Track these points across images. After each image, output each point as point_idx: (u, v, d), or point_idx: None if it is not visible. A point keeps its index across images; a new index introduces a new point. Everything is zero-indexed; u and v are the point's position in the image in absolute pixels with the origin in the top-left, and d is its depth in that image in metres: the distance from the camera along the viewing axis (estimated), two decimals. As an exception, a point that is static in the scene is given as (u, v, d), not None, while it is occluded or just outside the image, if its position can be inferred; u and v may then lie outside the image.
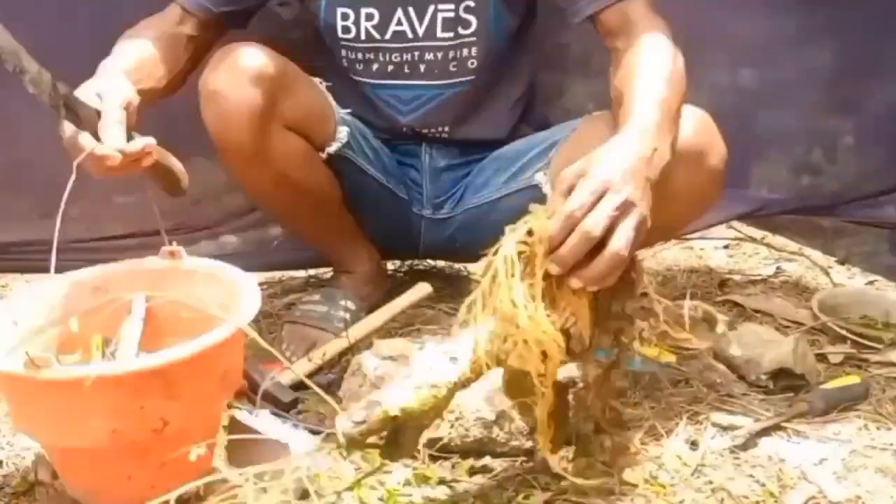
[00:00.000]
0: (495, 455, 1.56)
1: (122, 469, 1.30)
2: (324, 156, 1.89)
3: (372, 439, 1.25)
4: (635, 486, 1.50)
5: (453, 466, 1.53)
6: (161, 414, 1.28)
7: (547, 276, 1.31)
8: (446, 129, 1.98)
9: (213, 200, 2.20)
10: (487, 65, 1.93)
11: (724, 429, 1.66)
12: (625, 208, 1.29)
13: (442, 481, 1.50)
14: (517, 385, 1.37)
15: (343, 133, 1.90)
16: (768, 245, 2.54)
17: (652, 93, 1.48)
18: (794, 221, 2.52)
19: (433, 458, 1.54)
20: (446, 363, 1.31)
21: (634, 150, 1.35)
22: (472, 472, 1.53)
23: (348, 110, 1.93)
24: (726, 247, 2.56)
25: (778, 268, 2.43)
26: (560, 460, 1.50)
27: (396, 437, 1.27)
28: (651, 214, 1.32)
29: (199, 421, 1.35)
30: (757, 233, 2.59)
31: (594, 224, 1.27)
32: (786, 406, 1.74)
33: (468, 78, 1.93)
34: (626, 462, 1.51)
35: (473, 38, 1.89)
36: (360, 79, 1.95)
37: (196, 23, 1.84)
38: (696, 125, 1.65)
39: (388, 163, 2.00)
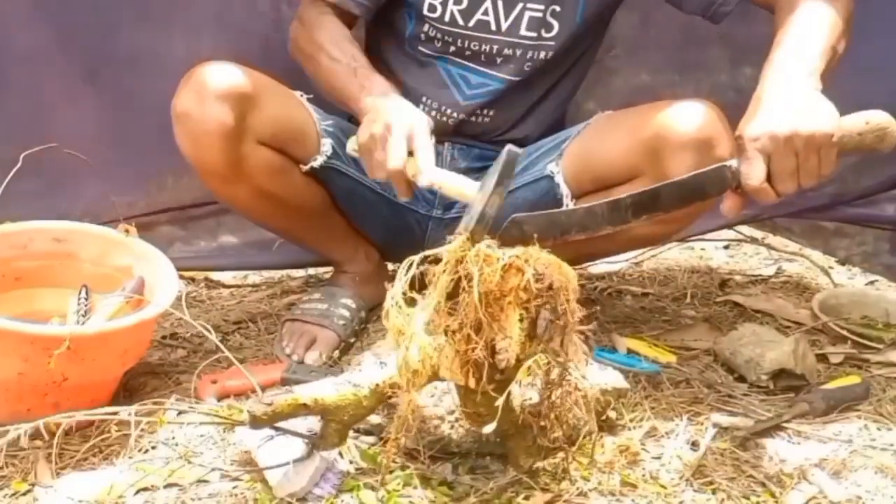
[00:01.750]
0: (496, 456, 1.56)
1: (23, 402, 1.58)
2: (306, 168, 1.89)
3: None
4: (636, 486, 1.50)
5: (454, 467, 1.53)
6: (63, 371, 1.56)
7: (481, 293, 1.33)
8: (491, 113, 1.98)
9: (213, 200, 2.20)
10: (556, 68, 1.95)
11: (725, 429, 1.66)
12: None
13: (442, 482, 1.49)
14: (467, 398, 1.41)
15: (327, 146, 1.90)
16: (769, 246, 2.54)
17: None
18: (794, 222, 2.52)
19: (433, 459, 1.54)
20: (375, 367, 1.47)
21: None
22: (473, 472, 1.53)
23: (330, 121, 1.92)
24: (727, 247, 2.56)
25: (778, 268, 2.43)
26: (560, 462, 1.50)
27: (324, 429, 1.45)
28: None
29: (95, 382, 1.66)
30: (757, 233, 2.59)
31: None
32: (786, 406, 1.74)
33: (537, 77, 1.94)
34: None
35: (552, 43, 1.90)
36: (435, 53, 1.94)
37: (351, 21, 1.92)
38: (703, 117, 1.68)
39: None
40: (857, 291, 2.26)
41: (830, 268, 2.42)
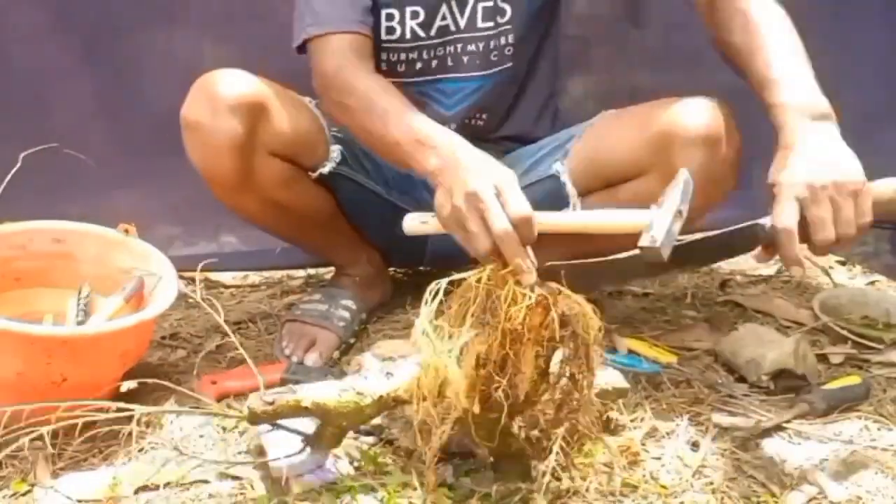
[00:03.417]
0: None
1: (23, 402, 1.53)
2: (315, 175, 1.89)
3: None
4: (636, 487, 1.50)
5: (454, 469, 1.53)
6: (62, 371, 1.57)
7: (503, 331, 1.33)
8: (484, 116, 1.97)
9: (213, 200, 2.20)
10: (521, 52, 1.94)
11: (725, 429, 1.66)
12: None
13: (442, 484, 1.49)
14: (466, 418, 1.39)
15: (336, 152, 1.89)
16: (769, 245, 2.53)
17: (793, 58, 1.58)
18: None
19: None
20: (381, 377, 1.46)
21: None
22: (474, 474, 1.52)
23: (338, 127, 1.91)
24: (727, 247, 2.56)
25: (779, 268, 2.42)
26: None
27: (321, 430, 1.44)
28: None
29: (94, 383, 1.63)
30: (758, 233, 2.59)
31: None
32: (787, 407, 1.73)
33: (507, 66, 1.94)
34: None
35: (509, 26, 1.90)
36: (402, 80, 1.91)
37: (369, 46, 1.81)
38: (712, 113, 1.69)
39: (389, 174, 1.99)
40: (857, 291, 2.26)
41: (831, 268, 2.42)
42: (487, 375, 1.34)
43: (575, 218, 1.42)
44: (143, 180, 2.19)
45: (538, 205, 1.88)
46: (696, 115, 1.69)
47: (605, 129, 1.86)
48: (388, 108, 1.63)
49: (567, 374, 1.37)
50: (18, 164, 1.78)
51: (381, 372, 1.47)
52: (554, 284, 1.36)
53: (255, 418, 1.42)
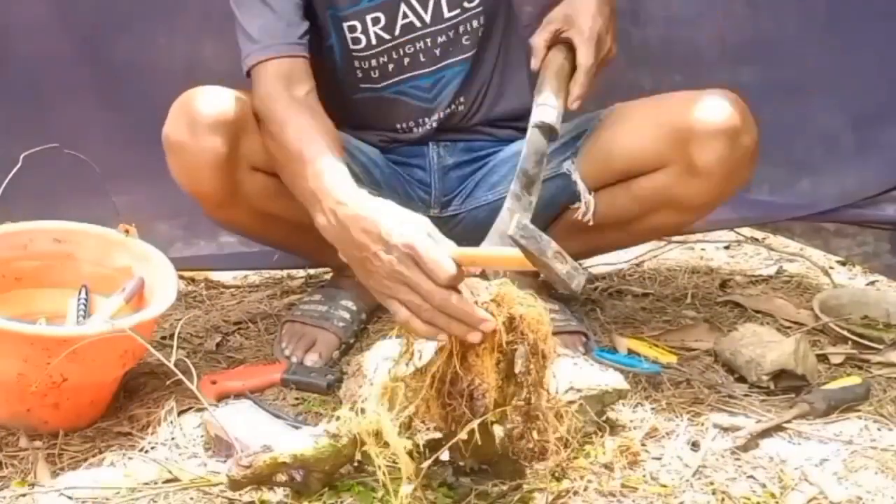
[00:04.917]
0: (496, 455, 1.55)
1: (23, 403, 1.61)
2: None
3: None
4: (636, 487, 1.50)
5: (454, 468, 1.53)
6: (62, 371, 1.56)
7: (459, 342, 1.33)
8: (461, 100, 1.96)
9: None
10: (493, 30, 1.93)
11: (725, 430, 1.66)
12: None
13: (443, 483, 1.49)
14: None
15: None
16: (769, 246, 2.54)
17: None
18: (794, 222, 2.52)
19: (434, 460, 1.53)
20: (352, 414, 1.42)
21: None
22: (474, 473, 1.52)
23: None
24: (727, 247, 2.56)
25: (779, 268, 2.42)
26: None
27: (308, 478, 1.44)
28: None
29: (94, 382, 1.67)
30: (758, 234, 2.59)
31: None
32: (787, 407, 1.73)
33: (481, 47, 1.93)
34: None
35: (480, 8, 1.89)
36: (379, 84, 1.92)
37: (305, 68, 1.76)
38: (730, 106, 1.72)
39: (380, 175, 1.97)
40: (857, 292, 2.26)
41: (831, 268, 2.42)
42: (450, 393, 1.34)
43: (487, 252, 1.39)
44: (143, 180, 2.19)
45: (548, 203, 1.90)
46: (716, 107, 1.72)
47: (619, 124, 1.86)
48: (304, 152, 1.60)
49: (529, 373, 1.35)
50: (19, 165, 1.78)
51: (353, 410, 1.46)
52: (495, 289, 1.34)
53: (236, 486, 1.42)
